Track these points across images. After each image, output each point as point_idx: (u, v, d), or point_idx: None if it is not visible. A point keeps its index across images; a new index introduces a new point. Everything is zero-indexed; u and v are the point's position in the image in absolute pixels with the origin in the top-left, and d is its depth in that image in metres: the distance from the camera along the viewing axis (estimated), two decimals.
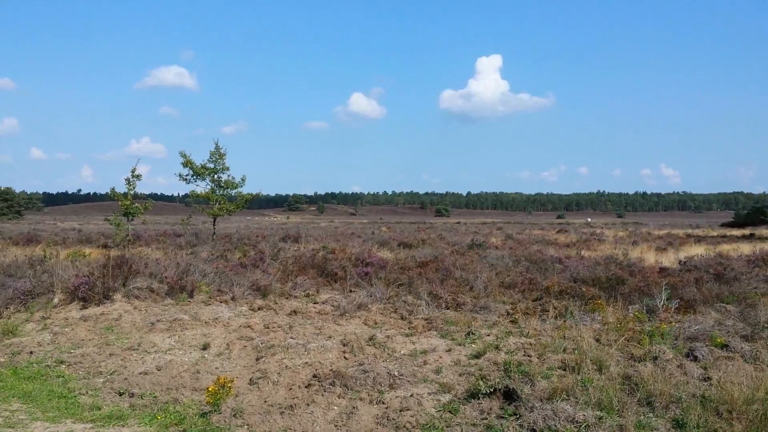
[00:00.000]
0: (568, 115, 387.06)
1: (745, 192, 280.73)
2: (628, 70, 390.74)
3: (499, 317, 10.00)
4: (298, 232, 38.07)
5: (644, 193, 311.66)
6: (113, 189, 21.54)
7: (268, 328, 9.29)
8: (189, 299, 11.88)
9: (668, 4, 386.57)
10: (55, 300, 11.77)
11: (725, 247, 29.63)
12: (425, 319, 9.83)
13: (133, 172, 21.15)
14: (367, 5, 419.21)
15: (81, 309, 11.25)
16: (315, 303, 11.79)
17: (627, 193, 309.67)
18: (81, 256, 19.76)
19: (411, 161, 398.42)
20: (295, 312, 10.55)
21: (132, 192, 21.28)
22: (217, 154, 28.64)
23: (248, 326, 9.38)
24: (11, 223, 73.33)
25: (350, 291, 13.24)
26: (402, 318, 10.24)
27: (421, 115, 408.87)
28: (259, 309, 10.91)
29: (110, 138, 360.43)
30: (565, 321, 9.25)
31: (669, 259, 23.03)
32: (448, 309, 10.70)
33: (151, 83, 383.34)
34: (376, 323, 9.81)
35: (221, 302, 11.41)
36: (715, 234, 46.10)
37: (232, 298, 11.69)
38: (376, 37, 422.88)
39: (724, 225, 52.68)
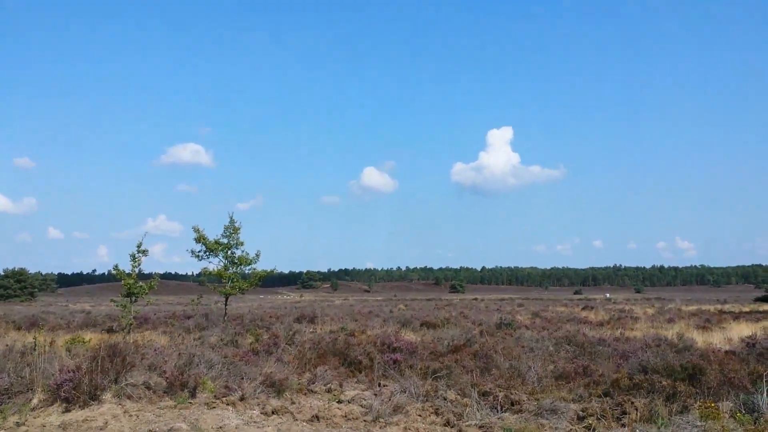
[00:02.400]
0: (580, 187, 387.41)
1: (764, 264, 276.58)
2: (639, 143, 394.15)
3: (571, 423, 8.12)
4: (313, 311, 36.22)
5: (661, 267, 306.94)
6: (116, 266, 19.96)
7: None
8: (190, 399, 10.06)
9: (677, 77, 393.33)
10: (35, 401, 10.00)
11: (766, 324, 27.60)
12: (479, 427, 7.97)
13: (139, 247, 19.62)
14: (379, 81, 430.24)
15: (63, 412, 9.48)
16: (339, 402, 9.93)
17: (644, 267, 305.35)
18: (80, 342, 18.09)
19: (424, 235, 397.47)
20: (317, 417, 8.70)
21: (137, 270, 19.70)
22: (232, 228, 27.24)
23: None
24: (23, 305, 72.16)
25: (379, 384, 11.39)
26: (449, 424, 8.37)
27: (433, 188, 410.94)
28: (273, 413, 9.06)
29: (127, 217, 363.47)
30: (659, 428, 7.38)
31: (719, 339, 21.03)
32: (503, 410, 8.81)
33: (168, 161, 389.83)
34: None
35: (228, 404, 9.57)
36: (748, 310, 43.90)
37: (241, 398, 9.85)
38: (388, 111, 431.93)
39: (758, 300, 50.25)
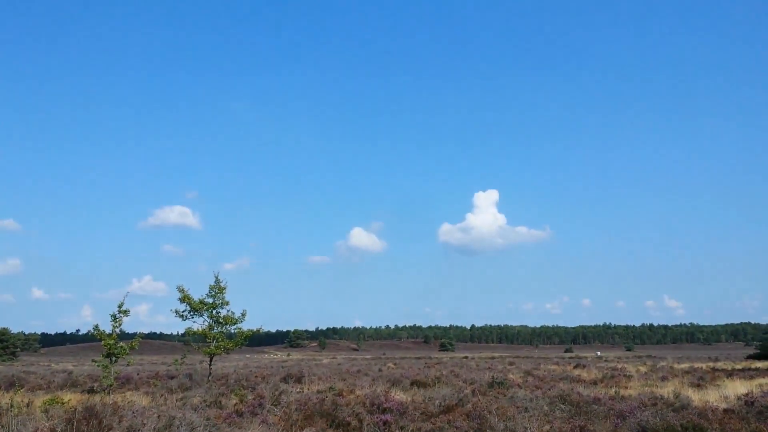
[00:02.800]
0: (566, 247, 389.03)
1: (753, 323, 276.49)
2: (623, 204, 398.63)
3: None
4: (300, 371, 35.39)
5: (651, 325, 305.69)
6: (96, 327, 19.40)
7: None
8: None
9: (658, 140, 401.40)
10: None
11: (763, 381, 27.22)
12: None
13: (120, 307, 19.16)
14: (365, 142, 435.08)
15: None
16: None
17: (634, 326, 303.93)
18: (58, 403, 17.38)
19: (412, 294, 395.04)
20: None
21: (117, 330, 19.18)
22: (217, 288, 26.85)
23: None
24: (3, 365, 70.58)
25: None
26: None
27: (421, 249, 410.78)
28: None
29: (112, 277, 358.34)
30: None
31: (715, 397, 20.59)
32: None
33: (154, 222, 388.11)
34: None
35: None
36: (740, 367, 43.48)
37: None
38: (375, 172, 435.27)
39: (750, 357, 49.82)
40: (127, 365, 20.01)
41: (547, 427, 12.59)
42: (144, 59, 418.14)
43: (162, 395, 20.46)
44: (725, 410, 13.90)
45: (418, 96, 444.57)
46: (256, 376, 31.38)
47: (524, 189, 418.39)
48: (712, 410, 14.38)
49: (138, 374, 32.52)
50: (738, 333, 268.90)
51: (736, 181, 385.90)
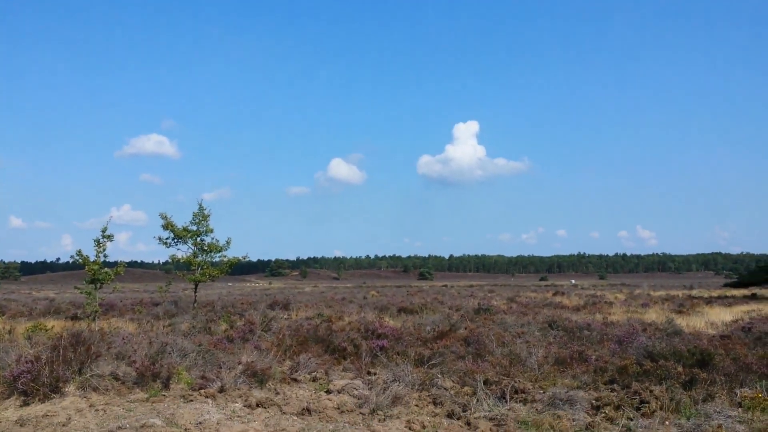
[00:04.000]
0: (543, 178, 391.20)
1: (723, 252, 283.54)
2: (599, 136, 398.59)
3: (588, 414, 7.44)
4: (286, 298, 35.30)
5: (624, 255, 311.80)
6: (80, 251, 18.75)
7: None
8: (164, 391, 9.16)
9: (637, 72, 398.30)
10: None
11: (743, 309, 27.61)
12: (490, 420, 7.25)
13: (103, 232, 18.47)
14: (344, 73, 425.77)
15: (21, 406, 8.51)
16: (329, 392, 9.12)
17: (607, 255, 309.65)
18: (41, 330, 16.93)
19: (392, 225, 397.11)
20: (307, 410, 7.86)
21: (102, 256, 18.57)
22: (201, 216, 26.21)
23: None
24: None
25: (368, 372, 10.62)
26: (452, 416, 7.63)
27: (400, 180, 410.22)
28: (258, 405, 8.19)
29: (90, 206, 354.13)
30: (687, 419, 6.75)
31: (701, 324, 20.73)
32: (512, 401, 8.10)
33: (131, 152, 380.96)
34: (424, 427, 7.19)
35: (207, 396, 8.67)
36: (716, 295, 44.24)
37: (221, 389, 8.97)
38: (355, 103, 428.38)
39: (727, 285, 50.72)
40: (113, 291, 19.47)
41: (542, 351, 12.43)
42: None
43: (148, 322, 20.09)
44: (722, 336, 13.85)
45: (399, 27, 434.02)
46: (242, 303, 31.15)
47: (504, 121, 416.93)
48: (710, 336, 14.38)
49: (121, 302, 32.13)
50: (709, 263, 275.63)
51: (708, 116, 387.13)
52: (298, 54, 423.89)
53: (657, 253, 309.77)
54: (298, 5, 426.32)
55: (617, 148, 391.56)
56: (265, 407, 8.12)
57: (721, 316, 23.53)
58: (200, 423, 7.28)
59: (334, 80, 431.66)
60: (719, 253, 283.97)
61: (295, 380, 10.15)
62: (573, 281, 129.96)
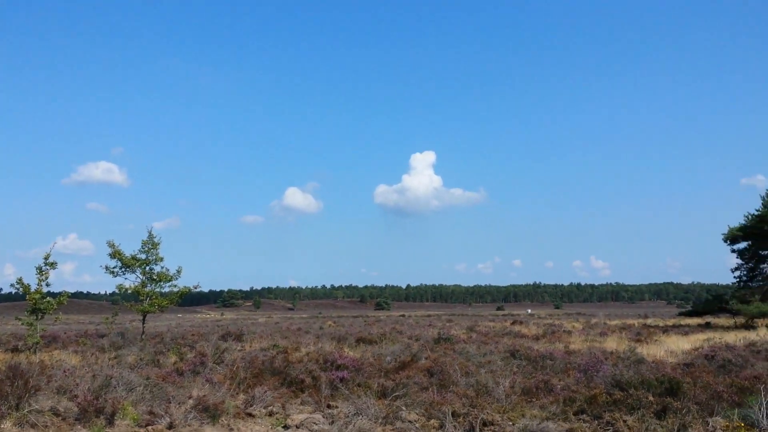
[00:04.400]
0: (499, 209, 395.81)
1: (675, 282, 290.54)
2: (554, 168, 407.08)
3: None
4: (239, 329, 34.31)
5: (579, 284, 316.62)
6: (20, 279, 17.79)
7: None
8: (108, 428, 8.47)
9: (587, 104, 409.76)
10: None
11: (700, 337, 27.89)
12: None
13: (46, 259, 17.59)
14: (299, 100, 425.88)
15: None
16: (286, 428, 8.57)
17: (562, 284, 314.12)
18: None
19: (348, 255, 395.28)
20: None
21: (44, 284, 17.64)
22: (150, 244, 25.40)
23: None
24: None
25: (328, 405, 10.08)
26: None
27: (357, 209, 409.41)
28: None
29: (35, 235, 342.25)
30: None
31: (661, 352, 20.76)
32: None
33: (78, 179, 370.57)
34: None
35: None
36: (671, 324, 44.86)
37: (170, 426, 8.32)
38: (311, 132, 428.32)
39: (681, 314, 51.54)
40: (55, 322, 18.48)
41: (507, 381, 12.10)
42: (67, 10, 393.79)
43: (93, 354, 19.08)
44: (685, 364, 13.75)
45: (356, 55, 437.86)
46: (192, 335, 30.10)
47: (461, 151, 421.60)
48: (673, 365, 14.27)
49: (65, 333, 30.70)
50: (661, 292, 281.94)
51: (660, 145, 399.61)
52: (252, 82, 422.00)
53: (610, 283, 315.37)
54: (255, 32, 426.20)
55: (571, 179, 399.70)
56: None
57: (679, 344, 23.65)
58: None
59: (289, 108, 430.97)
60: (671, 283, 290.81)
61: (250, 415, 9.55)
62: (529, 310, 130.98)
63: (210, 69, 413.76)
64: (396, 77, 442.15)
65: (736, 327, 36.34)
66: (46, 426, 8.57)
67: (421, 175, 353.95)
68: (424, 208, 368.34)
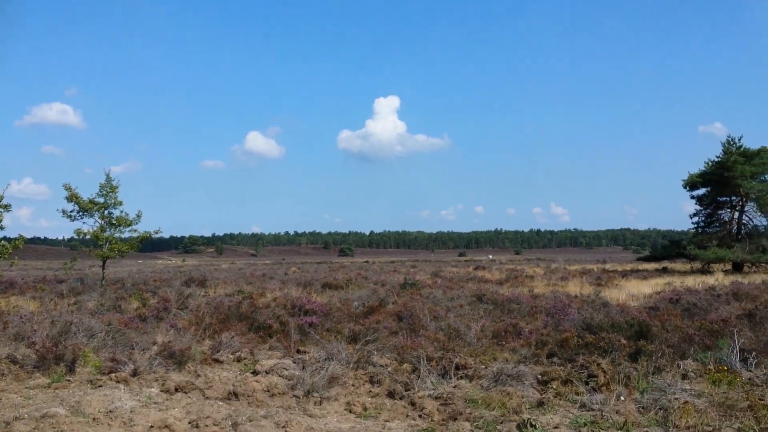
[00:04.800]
0: (462, 155, 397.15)
1: (632, 228, 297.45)
2: (516, 115, 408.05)
3: (538, 391, 7.02)
4: (202, 275, 33.87)
5: (539, 231, 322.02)
6: None
7: (198, 429, 5.85)
8: (69, 376, 8.15)
9: (552, 55, 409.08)
10: None
11: (659, 281, 28.50)
12: (435, 398, 6.71)
13: None
14: (262, 45, 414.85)
15: None
16: (256, 374, 8.36)
17: (523, 231, 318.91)
18: None
19: (312, 201, 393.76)
20: (234, 394, 7.08)
21: None
22: (108, 187, 24.61)
23: (165, 426, 5.90)
24: None
25: (297, 351, 9.91)
26: (394, 395, 7.05)
27: (320, 155, 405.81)
28: (177, 390, 7.34)
29: None
30: (641, 393, 6.43)
31: (624, 296, 21.09)
32: (456, 377, 7.60)
33: (32, 121, 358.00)
34: (366, 409, 6.58)
35: (118, 381, 7.73)
36: (630, 268, 45.85)
37: (134, 373, 8.04)
38: (273, 75, 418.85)
39: (640, 259, 52.68)
40: (12, 266, 17.88)
41: (477, 325, 12.08)
42: None
43: (51, 300, 18.57)
44: (650, 308, 13.91)
45: (321, 1, 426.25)
46: (154, 280, 29.60)
47: (425, 97, 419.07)
48: (637, 308, 14.43)
49: (22, 279, 29.92)
50: (618, 238, 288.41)
51: (620, 94, 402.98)
52: (215, 22, 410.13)
53: (569, 229, 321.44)
54: None
55: (533, 127, 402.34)
56: (185, 392, 7.28)
57: (640, 288, 24.05)
58: (111, 411, 6.38)
59: (251, 51, 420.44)
60: (628, 229, 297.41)
61: (218, 361, 9.33)
62: (490, 256, 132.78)
63: (171, 8, 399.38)
64: (361, 22, 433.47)
65: (693, 272, 37.31)
66: (3, 375, 8.22)
67: (385, 120, 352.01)
68: (388, 153, 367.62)
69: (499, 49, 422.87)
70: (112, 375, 7.95)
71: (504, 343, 10.06)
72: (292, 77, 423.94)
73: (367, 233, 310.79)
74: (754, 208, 40.82)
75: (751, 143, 41.03)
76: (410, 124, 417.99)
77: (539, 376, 7.44)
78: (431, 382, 7.30)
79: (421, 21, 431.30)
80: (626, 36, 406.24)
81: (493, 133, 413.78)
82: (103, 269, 27.27)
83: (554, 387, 6.96)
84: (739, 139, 41.58)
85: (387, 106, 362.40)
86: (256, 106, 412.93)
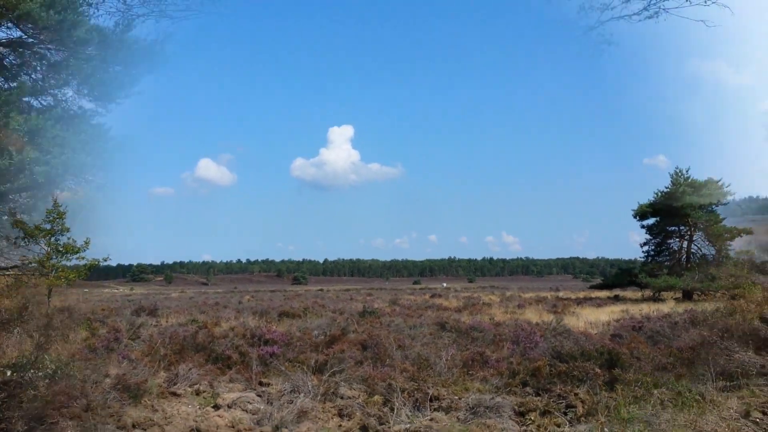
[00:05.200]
0: (416, 184, 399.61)
1: (581, 257, 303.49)
2: (466, 145, 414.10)
3: (517, 423, 6.78)
4: (153, 304, 32.80)
5: (491, 259, 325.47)
6: None
7: None
8: None
9: (504, 79, 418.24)
10: None
11: (614, 309, 28.85)
12: None
13: None
14: (215, 71, 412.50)
15: None
16: (217, 408, 7.89)
17: (476, 259, 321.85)
18: None
19: (265, 229, 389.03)
20: (196, 430, 6.64)
21: None
22: (56, 213, 23.61)
23: None
24: None
25: (260, 383, 9.46)
26: (368, 429, 6.70)
27: (273, 183, 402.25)
28: (134, 426, 6.83)
29: None
30: (625, 423, 6.25)
31: (583, 324, 21.16)
32: (431, 409, 7.29)
33: None
34: None
35: (69, 417, 7.17)
36: (583, 296, 46.43)
37: (86, 408, 7.48)
38: (226, 101, 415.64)
39: (592, 287, 53.50)
40: None
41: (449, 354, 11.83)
42: None
43: None
44: (612, 335, 13.90)
45: (274, 25, 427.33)
46: (102, 310, 28.50)
47: (379, 126, 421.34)
48: (599, 336, 14.41)
49: None
50: (567, 266, 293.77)
51: (568, 127, 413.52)
52: (168, 46, 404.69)
53: (521, 258, 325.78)
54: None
55: (484, 157, 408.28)
56: (143, 428, 6.79)
57: (597, 316, 24.23)
58: None
59: (204, 77, 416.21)
60: (577, 258, 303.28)
61: (175, 394, 8.81)
62: (445, 284, 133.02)
63: None
64: (314, 50, 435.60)
65: (645, 299, 37.99)
66: None
67: (339, 149, 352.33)
68: (342, 182, 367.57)
69: (451, 80, 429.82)
70: (63, 410, 7.38)
71: (473, 372, 9.83)
72: (245, 104, 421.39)
73: (321, 261, 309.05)
74: (703, 238, 41.94)
75: (698, 175, 42.02)
76: (364, 153, 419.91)
77: (516, 407, 7.21)
78: (406, 414, 6.99)
79: (376, 49, 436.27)
80: (574, 70, 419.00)
81: (446, 163, 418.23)
82: (49, 299, 26.12)
83: (533, 419, 6.74)
84: (686, 171, 42.79)
85: (341, 135, 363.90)
86: (208, 134, 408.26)
